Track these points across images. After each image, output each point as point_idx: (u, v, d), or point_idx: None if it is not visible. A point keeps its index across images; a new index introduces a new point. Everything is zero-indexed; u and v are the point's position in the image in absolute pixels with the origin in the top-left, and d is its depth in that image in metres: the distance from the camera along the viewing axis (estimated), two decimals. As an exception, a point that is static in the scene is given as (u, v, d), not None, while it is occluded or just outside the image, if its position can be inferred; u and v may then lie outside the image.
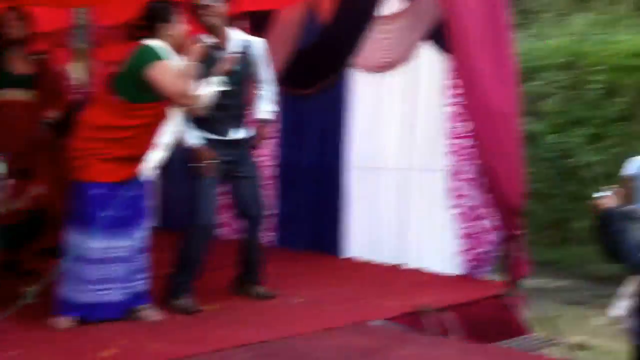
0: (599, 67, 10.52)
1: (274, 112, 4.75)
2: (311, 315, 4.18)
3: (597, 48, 11.01)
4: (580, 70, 10.87)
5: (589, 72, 10.64)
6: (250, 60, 4.51)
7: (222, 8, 4.35)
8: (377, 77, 6.00)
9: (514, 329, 4.79)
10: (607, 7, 11.88)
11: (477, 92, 4.98)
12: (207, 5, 4.29)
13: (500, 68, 5.00)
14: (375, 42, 5.89)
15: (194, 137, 4.29)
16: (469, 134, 5.25)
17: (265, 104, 4.66)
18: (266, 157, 6.36)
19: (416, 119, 5.78)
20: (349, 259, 6.03)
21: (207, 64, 4.15)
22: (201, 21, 4.35)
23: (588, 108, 10.39)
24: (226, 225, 6.49)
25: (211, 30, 4.34)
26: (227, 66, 4.25)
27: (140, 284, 4.01)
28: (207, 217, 4.33)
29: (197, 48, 4.03)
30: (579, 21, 12.00)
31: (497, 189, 5.06)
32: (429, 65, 5.65)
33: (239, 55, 4.36)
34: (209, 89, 4.10)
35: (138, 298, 4.01)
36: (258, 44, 4.60)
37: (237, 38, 4.49)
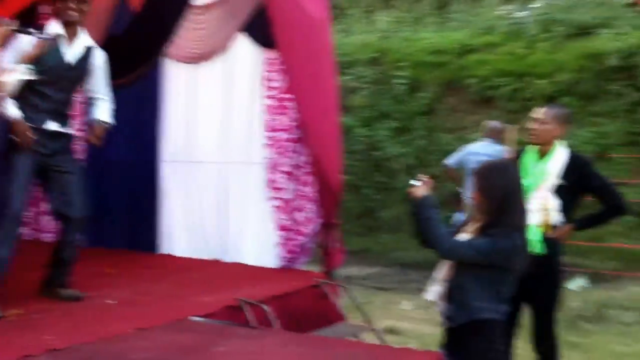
0: (403, 64, 11.07)
1: (109, 121, 4.56)
2: (126, 315, 4.01)
3: (400, 45, 11.58)
4: (385, 66, 11.39)
5: (394, 68, 11.17)
6: (88, 65, 4.37)
7: (85, 6, 4.23)
8: (193, 68, 5.89)
9: (331, 317, 4.90)
10: (410, 5, 12.53)
11: (301, 84, 5.03)
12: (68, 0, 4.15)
13: (322, 61, 5.10)
14: (189, 32, 5.76)
15: (14, 109, 4.02)
16: (292, 126, 5.32)
17: (101, 112, 4.48)
18: (76, 152, 6.04)
19: (233, 112, 5.74)
20: (167, 256, 5.86)
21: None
22: (59, 14, 4.20)
23: (394, 102, 10.91)
24: (34, 223, 6.12)
25: (66, 25, 4.20)
26: (35, 52, 4.00)
27: None
28: (17, 205, 4.05)
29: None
30: (384, 18, 12.55)
31: (320, 179, 5.16)
32: (246, 57, 5.64)
33: (48, 40, 4.12)
34: (15, 75, 3.85)
35: None
36: (100, 55, 4.46)
37: (84, 40, 4.34)
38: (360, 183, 10.38)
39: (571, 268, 8.08)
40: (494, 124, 8.02)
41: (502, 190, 3.24)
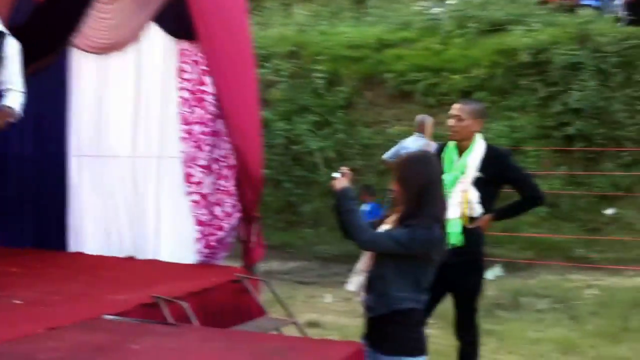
0: (321, 57, 11.08)
1: (16, 108, 4.33)
2: (35, 315, 3.81)
3: (318, 39, 11.58)
4: (304, 60, 11.37)
5: (312, 61, 11.16)
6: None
7: None
8: (103, 59, 5.69)
9: (252, 312, 4.84)
10: (327, -1, 12.56)
11: (222, 76, 4.95)
12: None
13: (242, 52, 5.03)
14: (97, 21, 5.58)
15: None
16: (209, 118, 5.22)
17: (9, 101, 4.27)
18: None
19: (146, 104, 5.58)
20: (78, 254, 5.65)
21: None
22: None
23: (313, 96, 10.90)
24: None
25: None
26: None
27: None
28: None
29: None
30: (302, 12, 12.53)
31: (241, 173, 5.08)
32: (159, 48, 5.50)
33: None
34: None
35: None
36: (13, 43, 4.26)
37: None
38: (280, 177, 10.33)
39: (487, 258, 8.26)
40: (422, 117, 8.17)
41: (421, 181, 3.24)
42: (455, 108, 4.44)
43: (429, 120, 8.18)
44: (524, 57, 9.61)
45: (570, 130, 8.94)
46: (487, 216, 4.41)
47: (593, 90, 8.94)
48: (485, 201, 4.35)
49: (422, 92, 10.20)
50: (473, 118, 4.37)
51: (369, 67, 10.80)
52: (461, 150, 4.43)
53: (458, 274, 4.38)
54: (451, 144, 4.48)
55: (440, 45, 10.71)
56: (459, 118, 4.38)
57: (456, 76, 10.03)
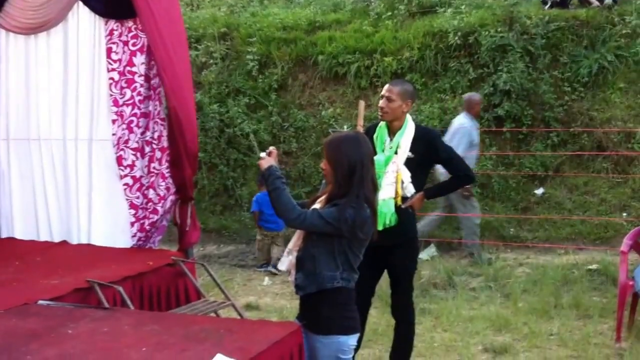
0: (252, 39, 10.97)
1: None
2: (-36, 303, 3.69)
3: (249, 20, 11.46)
4: (235, 42, 11.24)
5: (244, 43, 11.05)
6: None
7: None
8: (29, 39, 5.50)
9: (189, 295, 4.79)
10: (259, -21, 12.40)
11: (161, 55, 4.84)
12: None
13: (176, 31, 4.95)
14: (22, 1, 5.39)
15: None
16: (139, 100, 5.12)
17: None
18: None
19: (75, 86, 5.42)
20: (8, 240, 5.47)
21: None
22: None
23: (245, 79, 10.80)
24: None
25: None
26: None
27: None
28: None
29: None
30: (233, -7, 12.37)
31: (175, 154, 5.00)
32: (87, 28, 5.34)
33: None
34: None
35: None
36: None
37: None
38: (215, 161, 10.22)
39: (422, 238, 8.39)
40: (469, 96, 8.26)
41: (351, 161, 3.25)
42: (385, 89, 4.47)
43: (475, 97, 8.21)
44: (454, 40, 9.73)
45: (500, 111, 9.09)
46: (420, 195, 4.48)
47: (521, 72, 9.12)
48: (416, 181, 4.41)
49: (354, 74, 10.22)
50: (403, 99, 4.42)
51: (301, 49, 10.75)
52: (392, 130, 4.47)
53: (393, 253, 4.46)
54: (382, 125, 4.52)
55: (371, 27, 10.74)
56: (389, 99, 4.41)
57: (387, 58, 10.07)
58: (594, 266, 7.18)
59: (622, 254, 5.64)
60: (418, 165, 4.42)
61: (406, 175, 4.37)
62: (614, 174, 8.62)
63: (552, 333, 5.73)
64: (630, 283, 5.46)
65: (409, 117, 4.50)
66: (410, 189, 4.38)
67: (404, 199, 4.39)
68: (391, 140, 4.44)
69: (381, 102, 4.45)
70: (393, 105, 4.40)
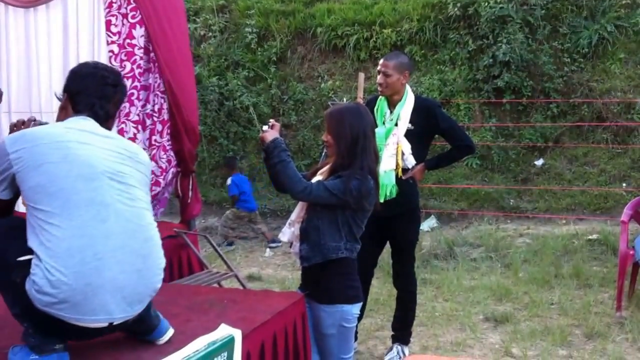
0: (251, 12, 10.91)
1: None
2: None
3: (247, -7, 11.40)
4: (234, 14, 11.18)
5: (243, 16, 10.99)
6: None
7: None
8: (29, 12, 5.47)
9: (192, 267, 4.82)
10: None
11: (159, 28, 4.81)
12: None
13: (173, 6, 4.91)
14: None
15: None
16: (139, 72, 5.09)
17: None
18: None
19: (76, 59, 5.40)
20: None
21: None
22: None
23: (245, 51, 10.75)
24: None
25: None
26: None
27: None
28: None
29: None
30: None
31: (177, 127, 4.99)
32: (87, 1, 5.32)
33: None
34: None
35: None
36: None
37: None
38: (215, 134, 10.22)
39: (422, 209, 8.42)
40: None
41: (354, 132, 3.26)
42: (381, 64, 4.46)
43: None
44: (453, 11, 9.67)
45: (500, 82, 9.06)
46: (420, 166, 4.49)
47: (521, 43, 9.07)
48: (417, 152, 4.42)
49: (353, 46, 10.18)
50: (400, 71, 4.41)
51: (300, 21, 10.70)
52: (392, 103, 4.47)
53: (395, 224, 4.48)
54: (382, 98, 4.52)
55: (370, -1, 10.69)
56: (385, 74, 4.41)
57: (387, 30, 10.02)
58: (594, 236, 7.21)
59: (622, 223, 5.66)
60: (418, 136, 4.43)
61: (406, 146, 4.38)
62: (613, 144, 8.63)
63: (553, 302, 5.78)
64: (631, 252, 5.49)
65: (408, 88, 4.50)
66: (410, 161, 4.39)
67: (405, 170, 4.40)
68: (391, 112, 4.45)
69: (379, 78, 4.45)
70: (391, 79, 4.40)
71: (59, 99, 2.82)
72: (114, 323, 2.57)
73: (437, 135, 4.68)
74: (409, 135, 4.39)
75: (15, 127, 2.85)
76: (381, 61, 4.49)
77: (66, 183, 2.46)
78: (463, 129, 4.95)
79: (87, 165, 2.52)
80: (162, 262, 2.73)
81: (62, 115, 2.80)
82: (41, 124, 2.87)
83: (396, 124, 4.39)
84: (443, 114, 4.63)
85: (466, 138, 4.67)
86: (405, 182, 4.39)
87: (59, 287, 2.38)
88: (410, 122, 4.41)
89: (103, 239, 2.48)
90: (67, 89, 2.78)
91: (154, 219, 2.74)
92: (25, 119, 2.86)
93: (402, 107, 4.43)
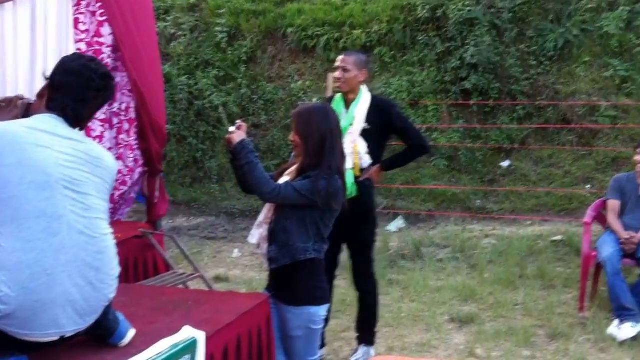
0: (221, 11, 10.88)
1: None
2: None
3: (218, -8, 11.37)
4: (204, 13, 11.13)
5: (213, 15, 10.95)
6: None
7: None
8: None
9: (158, 267, 4.80)
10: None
11: (125, 27, 4.78)
12: None
13: (140, 5, 4.89)
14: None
15: None
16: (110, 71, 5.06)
17: None
18: None
19: (44, 57, 5.35)
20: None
21: None
22: None
23: (215, 51, 10.72)
24: None
25: None
26: None
27: None
28: None
29: None
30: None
31: (144, 126, 4.96)
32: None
33: None
34: None
35: None
36: None
37: None
38: (184, 133, 10.17)
39: (390, 210, 8.47)
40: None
41: (321, 132, 3.27)
42: (340, 60, 4.48)
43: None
44: (422, 13, 9.73)
45: (467, 84, 9.15)
46: (377, 167, 4.51)
47: (488, 45, 9.17)
48: (373, 152, 4.44)
49: (323, 46, 10.19)
50: (358, 68, 4.44)
51: (271, 21, 10.69)
52: (348, 102, 4.49)
53: (350, 225, 4.44)
54: (337, 97, 4.54)
55: (340, 0, 10.71)
56: (344, 69, 4.43)
57: (357, 31, 10.05)
58: (558, 237, 7.31)
59: (585, 225, 5.75)
60: (374, 135, 4.46)
61: (362, 146, 4.40)
62: (578, 146, 8.75)
63: (517, 303, 5.85)
64: (594, 254, 5.57)
65: (363, 88, 4.52)
66: (367, 160, 4.42)
67: (361, 170, 4.43)
68: (347, 112, 4.46)
69: (337, 74, 4.46)
70: (349, 75, 4.42)
71: (46, 78, 2.73)
72: (66, 336, 2.53)
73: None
74: (365, 134, 4.42)
75: (1, 103, 2.78)
76: (339, 57, 4.51)
77: (18, 190, 2.40)
78: (419, 129, 5.01)
79: (42, 173, 2.45)
80: (116, 271, 2.68)
81: (38, 104, 2.74)
82: (30, 103, 2.81)
83: (352, 123, 4.41)
84: (399, 114, 4.66)
85: (421, 138, 4.70)
86: (361, 183, 4.41)
87: (8, 303, 2.33)
88: (367, 121, 4.43)
89: (54, 253, 2.43)
90: (52, 77, 2.71)
91: (110, 228, 2.68)
92: (13, 97, 2.79)
93: (356, 107, 4.45)
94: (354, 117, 4.41)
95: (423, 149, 4.72)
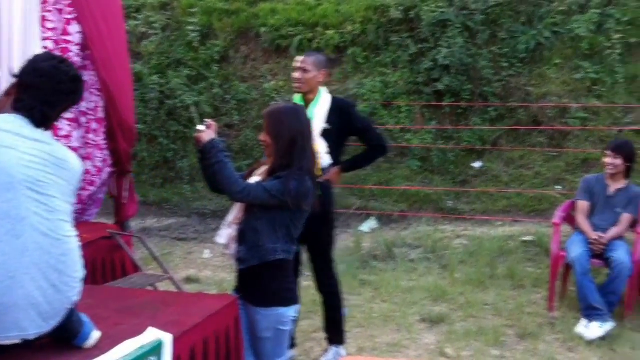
0: (194, 10, 10.82)
1: None
2: None
3: (190, -9, 11.30)
4: (176, 12, 11.06)
5: (185, 14, 10.89)
6: None
7: None
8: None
9: (126, 269, 4.75)
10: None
11: (94, 25, 4.72)
12: None
13: (110, 4, 4.84)
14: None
15: None
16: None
17: None
18: None
19: (9, 55, 5.23)
20: None
21: None
22: None
23: (187, 50, 10.65)
24: None
25: None
26: None
27: None
28: None
29: None
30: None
31: (112, 126, 4.91)
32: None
33: None
34: None
35: None
36: None
37: None
38: (155, 133, 10.08)
39: (363, 211, 8.47)
40: None
41: (292, 132, 3.26)
42: (299, 60, 4.47)
43: None
44: (395, 14, 9.75)
45: (440, 86, 9.18)
46: (336, 168, 4.51)
47: (461, 47, 9.21)
48: (333, 152, 4.44)
49: (296, 47, 10.17)
50: (318, 69, 4.44)
51: (244, 20, 10.64)
52: (307, 102, 4.48)
53: (311, 226, 4.41)
54: (297, 97, 4.53)
55: (313, 0, 10.69)
56: (304, 70, 4.42)
57: (330, 31, 10.05)
58: (528, 238, 7.36)
59: (555, 225, 5.80)
60: (334, 135, 4.45)
61: (322, 146, 4.39)
62: (549, 148, 8.82)
63: (488, 303, 5.88)
64: (563, 254, 5.62)
65: (323, 89, 4.52)
66: (326, 160, 4.41)
67: (321, 170, 4.41)
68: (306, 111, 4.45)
69: (296, 74, 4.45)
70: (308, 75, 4.42)
71: (14, 76, 2.68)
72: (28, 339, 2.49)
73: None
74: (325, 134, 4.42)
75: None
76: (299, 57, 4.50)
77: None
78: (378, 129, 5.01)
79: (6, 174, 2.42)
80: (80, 274, 2.64)
81: (4, 102, 2.70)
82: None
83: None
84: (358, 114, 4.67)
85: (380, 139, 4.71)
86: (321, 183, 4.39)
87: None
88: (327, 121, 4.43)
89: (17, 256, 2.39)
90: (20, 76, 2.66)
91: (74, 230, 2.64)
92: None
93: (315, 107, 4.45)
94: (314, 117, 4.40)
95: (383, 150, 4.72)
